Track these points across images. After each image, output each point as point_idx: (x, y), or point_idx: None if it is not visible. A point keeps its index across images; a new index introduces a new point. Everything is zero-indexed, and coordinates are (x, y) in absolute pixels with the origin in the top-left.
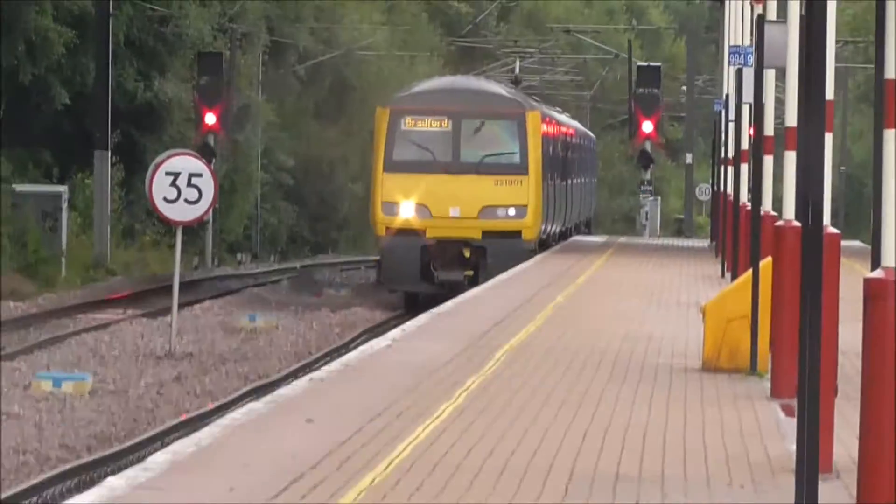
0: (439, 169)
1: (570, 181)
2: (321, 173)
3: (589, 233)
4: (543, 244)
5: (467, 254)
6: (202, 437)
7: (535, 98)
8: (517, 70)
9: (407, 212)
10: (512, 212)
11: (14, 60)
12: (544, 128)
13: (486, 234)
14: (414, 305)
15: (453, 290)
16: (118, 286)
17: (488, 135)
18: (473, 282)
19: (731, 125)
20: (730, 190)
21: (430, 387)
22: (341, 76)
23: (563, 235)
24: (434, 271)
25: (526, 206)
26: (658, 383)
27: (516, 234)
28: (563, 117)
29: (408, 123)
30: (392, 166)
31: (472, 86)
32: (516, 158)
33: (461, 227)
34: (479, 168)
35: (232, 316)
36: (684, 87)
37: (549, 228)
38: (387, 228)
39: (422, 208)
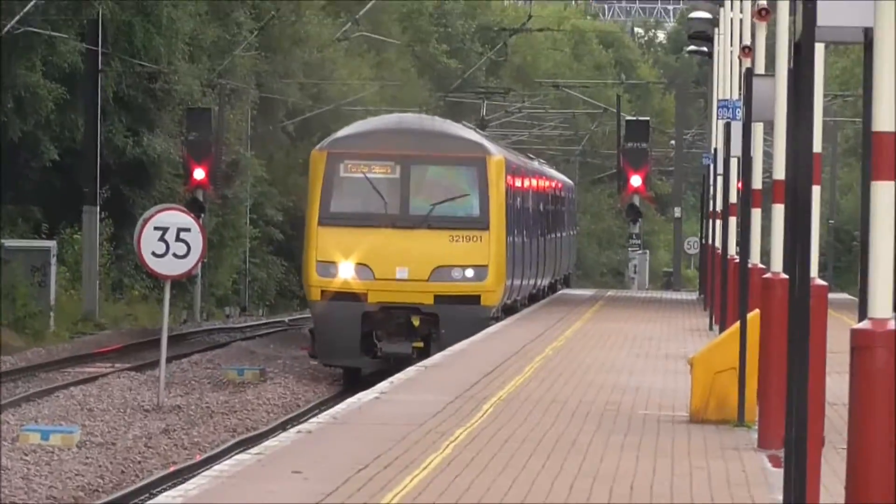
0: (384, 222)
1: (542, 236)
2: None
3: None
4: (509, 309)
5: (416, 322)
6: (189, 488)
7: (502, 142)
8: (483, 112)
9: (345, 273)
10: (470, 273)
11: (3, 117)
12: (510, 175)
13: (438, 299)
14: (355, 382)
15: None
16: (107, 340)
17: (442, 183)
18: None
19: (720, 179)
20: (718, 243)
21: (418, 438)
22: (330, 131)
23: (534, 298)
24: (377, 343)
25: (486, 266)
26: (646, 434)
27: (474, 298)
28: (535, 164)
29: (347, 169)
30: (328, 219)
31: (424, 126)
32: (475, 211)
33: (409, 292)
34: (431, 222)
35: (220, 369)
36: (673, 141)
37: (514, 291)
38: (322, 292)
39: (363, 269)
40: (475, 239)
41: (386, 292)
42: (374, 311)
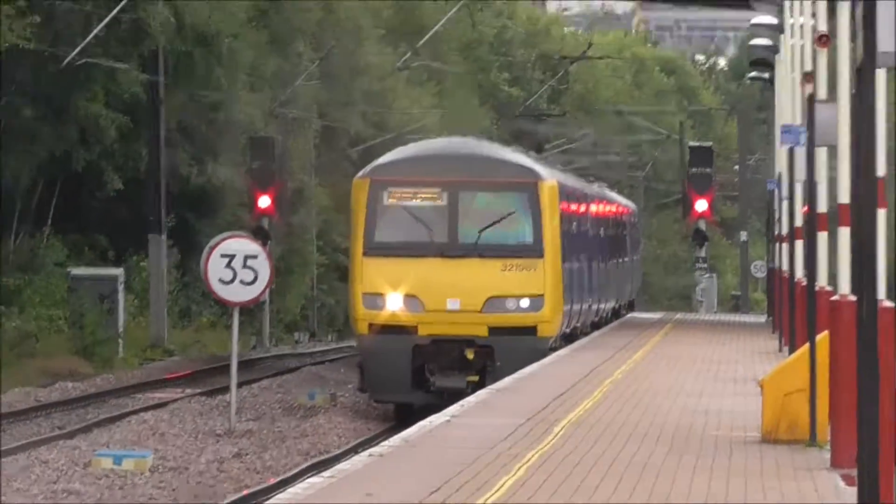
0: (433, 252)
1: (602, 261)
2: None
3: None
4: (568, 338)
5: (470, 355)
6: None
7: (559, 166)
8: (539, 136)
9: (393, 305)
10: (525, 303)
11: (67, 147)
12: (565, 200)
13: (493, 330)
14: (407, 417)
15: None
16: (176, 366)
17: (492, 210)
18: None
19: (785, 203)
20: (785, 266)
21: (490, 460)
22: None
23: (596, 325)
24: (429, 377)
25: (542, 295)
26: (718, 455)
27: (531, 329)
28: (594, 188)
29: (392, 197)
30: (374, 249)
31: (472, 150)
32: (528, 238)
33: (462, 323)
34: (482, 250)
35: (290, 394)
36: (737, 167)
37: (573, 319)
38: (369, 325)
39: (412, 300)
40: (529, 268)
41: (437, 324)
42: (426, 344)
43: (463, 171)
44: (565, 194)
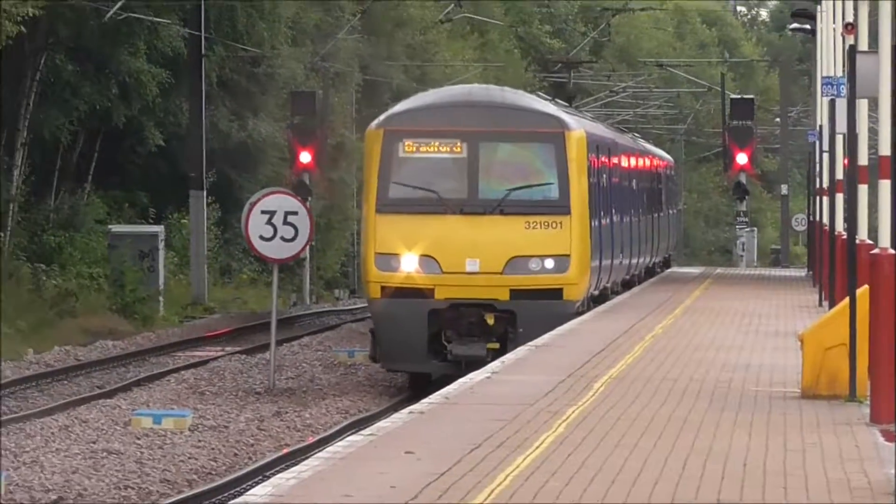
0: (451, 209)
1: (635, 217)
2: None
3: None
4: (597, 299)
5: (490, 320)
6: (303, 470)
7: (589, 116)
8: (570, 83)
9: (408, 266)
10: (549, 263)
11: (107, 103)
12: (595, 151)
13: (515, 293)
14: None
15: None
16: (216, 324)
17: (516, 162)
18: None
19: (826, 155)
20: (826, 220)
21: (530, 417)
22: None
23: (628, 284)
24: (446, 344)
25: (568, 255)
26: (757, 411)
27: (556, 292)
28: (628, 139)
29: (408, 148)
30: (388, 206)
31: (494, 98)
32: (554, 193)
33: (482, 286)
34: (505, 207)
35: (330, 351)
36: (778, 119)
37: (601, 280)
38: (382, 288)
39: (428, 261)
40: (555, 225)
41: (455, 287)
42: (443, 309)
43: (484, 121)
44: (595, 145)
